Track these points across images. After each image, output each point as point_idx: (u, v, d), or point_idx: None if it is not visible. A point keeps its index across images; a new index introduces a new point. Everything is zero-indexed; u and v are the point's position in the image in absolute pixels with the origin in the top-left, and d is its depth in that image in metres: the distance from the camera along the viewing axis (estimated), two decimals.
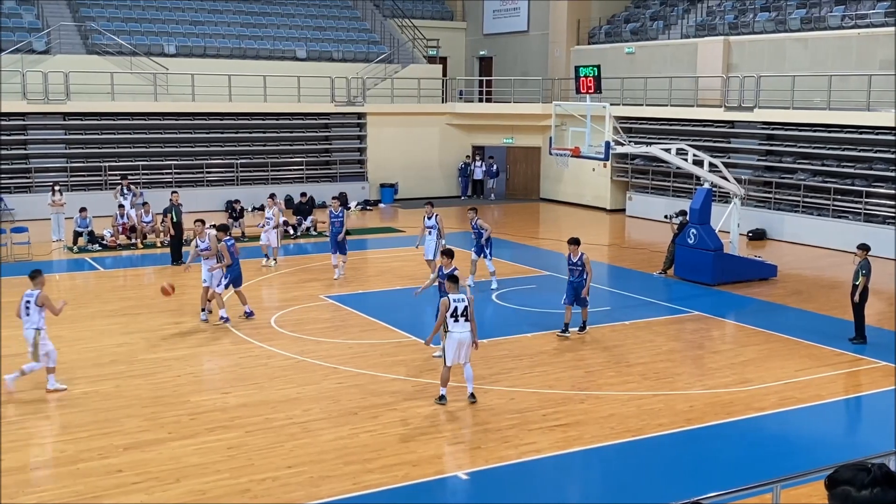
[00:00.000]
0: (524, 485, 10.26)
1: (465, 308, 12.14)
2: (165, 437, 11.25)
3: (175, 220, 22.49)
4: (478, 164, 36.64)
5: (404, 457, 10.70)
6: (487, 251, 19.71)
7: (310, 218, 27.57)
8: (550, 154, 22.64)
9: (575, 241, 16.12)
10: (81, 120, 30.95)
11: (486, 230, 19.61)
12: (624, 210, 32.52)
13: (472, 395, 12.46)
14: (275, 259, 22.49)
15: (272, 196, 23.68)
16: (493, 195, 36.49)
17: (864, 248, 15.80)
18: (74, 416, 12.01)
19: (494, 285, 19.66)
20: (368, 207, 33.49)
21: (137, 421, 11.81)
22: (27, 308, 12.86)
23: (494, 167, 36.29)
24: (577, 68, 21.28)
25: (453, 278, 12.67)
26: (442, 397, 12.38)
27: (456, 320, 12.08)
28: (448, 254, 14.04)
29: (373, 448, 10.95)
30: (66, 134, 30.89)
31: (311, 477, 10.13)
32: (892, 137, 24.50)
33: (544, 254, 24.60)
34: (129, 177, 28.18)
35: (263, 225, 22.70)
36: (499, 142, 36.46)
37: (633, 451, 11.15)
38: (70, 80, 30.02)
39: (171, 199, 23.16)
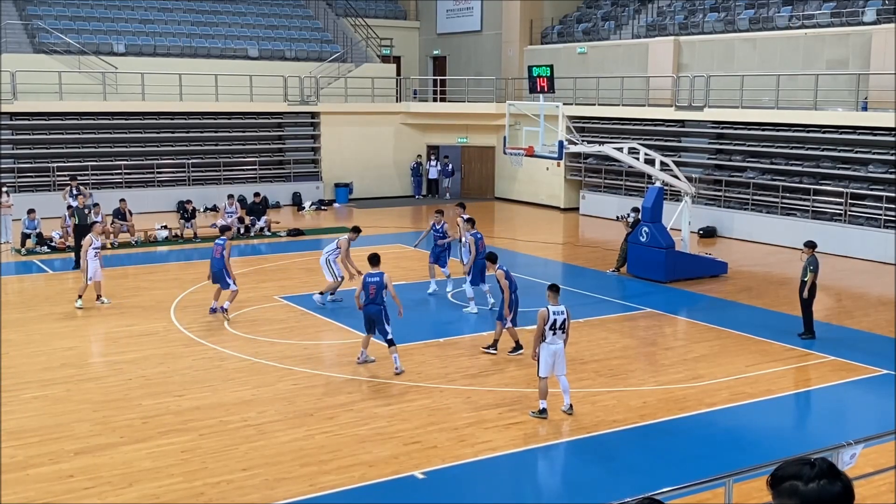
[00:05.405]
0: (481, 483, 10.32)
1: (564, 321, 11.95)
2: (117, 442, 11.11)
3: (78, 222, 21.63)
4: (432, 163, 36.64)
5: (361, 457, 10.69)
6: (446, 257, 19.55)
7: (263, 218, 27.36)
8: (504, 153, 22.73)
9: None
10: (29, 120, 30.39)
11: (449, 236, 19.56)
12: (578, 209, 32.75)
13: (571, 407, 12.11)
14: (100, 295, 18.32)
15: (94, 223, 20.12)
16: (448, 194, 36.48)
17: (811, 245, 16.09)
18: (24, 421, 11.80)
19: (434, 288, 19.26)
20: (323, 207, 33.34)
21: (89, 425, 11.64)
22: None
23: (449, 166, 36.32)
24: (530, 68, 21.41)
25: (554, 288, 12.33)
26: (543, 411, 11.93)
27: (554, 332, 11.89)
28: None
29: (329, 449, 10.92)
30: (13, 134, 30.30)
31: (266, 479, 10.07)
32: (867, 137, 25.01)
33: (499, 252, 24.60)
34: (79, 177, 27.74)
35: (96, 254, 18.15)
36: (453, 141, 36.49)
37: (587, 448, 11.26)
38: (17, 80, 29.48)
39: (77, 201, 22.09)
